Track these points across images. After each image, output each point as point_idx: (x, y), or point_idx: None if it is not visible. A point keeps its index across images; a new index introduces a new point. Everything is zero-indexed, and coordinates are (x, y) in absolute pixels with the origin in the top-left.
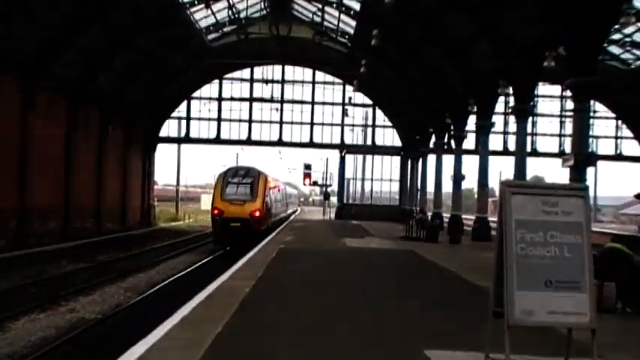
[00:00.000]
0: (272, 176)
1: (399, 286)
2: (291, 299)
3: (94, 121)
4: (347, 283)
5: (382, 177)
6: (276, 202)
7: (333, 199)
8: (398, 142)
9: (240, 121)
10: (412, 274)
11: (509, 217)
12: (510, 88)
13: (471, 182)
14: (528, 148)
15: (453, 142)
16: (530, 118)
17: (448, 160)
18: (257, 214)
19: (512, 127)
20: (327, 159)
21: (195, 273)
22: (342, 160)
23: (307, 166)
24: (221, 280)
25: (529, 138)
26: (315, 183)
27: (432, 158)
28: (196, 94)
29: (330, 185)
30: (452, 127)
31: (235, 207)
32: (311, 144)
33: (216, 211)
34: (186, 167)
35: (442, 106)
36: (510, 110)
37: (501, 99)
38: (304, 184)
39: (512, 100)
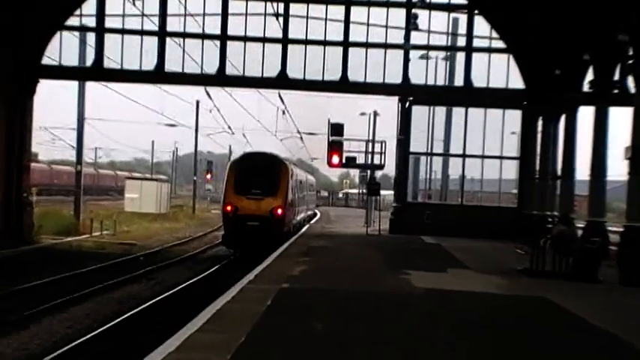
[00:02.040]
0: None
1: None
2: None
3: None
4: None
5: (484, 151)
6: (300, 198)
7: (385, 195)
8: (515, 83)
9: (204, 37)
10: None
11: None
12: None
13: None
14: None
15: (631, 82)
16: None
17: (618, 115)
18: (280, 211)
19: None
20: (374, 115)
21: None
22: (406, 116)
23: (336, 129)
24: None
25: None
26: (348, 163)
27: (585, 114)
28: None
29: (381, 167)
30: (632, 52)
31: (253, 202)
32: (343, 85)
33: (228, 207)
34: (97, 131)
35: (611, 12)
36: None
37: None
38: (331, 164)
39: None
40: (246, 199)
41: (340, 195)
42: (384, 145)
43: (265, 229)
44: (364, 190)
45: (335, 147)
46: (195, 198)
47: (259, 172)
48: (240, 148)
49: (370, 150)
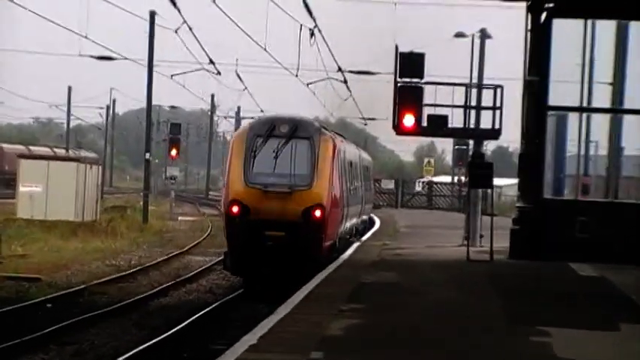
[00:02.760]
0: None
1: None
2: None
3: None
4: None
5: None
6: (352, 192)
7: (503, 186)
8: None
9: None
10: None
11: None
12: None
13: None
14: None
15: None
16: None
17: None
18: (319, 213)
19: None
20: (481, 37)
21: None
22: (542, 40)
23: (411, 64)
24: None
25: None
26: (433, 126)
27: None
28: None
29: (494, 135)
30: None
31: (276, 199)
32: None
33: (234, 208)
34: None
35: None
36: None
37: None
38: (401, 129)
39: None
40: (263, 193)
41: (419, 186)
42: (499, 93)
43: (295, 244)
44: (463, 178)
45: (408, 97)
46: (150, 193)
47: (285, 150)
48: (232, 100)
49: (474, 104)
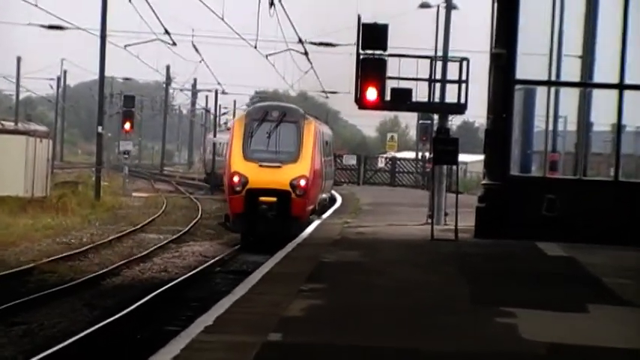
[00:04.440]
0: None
1: None
2: None
3: None
4: None
5: None
6: (328, 167)
7: (469, 163)
8: None
9: None
10: None
11: None
12: None
13: None
14: None
15: None
16: None
17: None
18: (303, 182)
19: None
20: (447, 8)
21: None
22: (509, 9)
23: (373, 35)
24: None
25: None
26: (397, 100)
27: None
28: None
29: (459, 109)
30: None
31: (268, 172)
32: None
33: (235, 179)
34: None
35: None
36: None
37: None
38: (364, 103)
39: None
40: (259, 167)
41: (381, 162)
42: (465, 66)
43: (284, 207)
44: (427, 154)
45: (371, 70)
46: (102, 169)
47: (276, 131)
48: (188, 73)
49: (439, 77)
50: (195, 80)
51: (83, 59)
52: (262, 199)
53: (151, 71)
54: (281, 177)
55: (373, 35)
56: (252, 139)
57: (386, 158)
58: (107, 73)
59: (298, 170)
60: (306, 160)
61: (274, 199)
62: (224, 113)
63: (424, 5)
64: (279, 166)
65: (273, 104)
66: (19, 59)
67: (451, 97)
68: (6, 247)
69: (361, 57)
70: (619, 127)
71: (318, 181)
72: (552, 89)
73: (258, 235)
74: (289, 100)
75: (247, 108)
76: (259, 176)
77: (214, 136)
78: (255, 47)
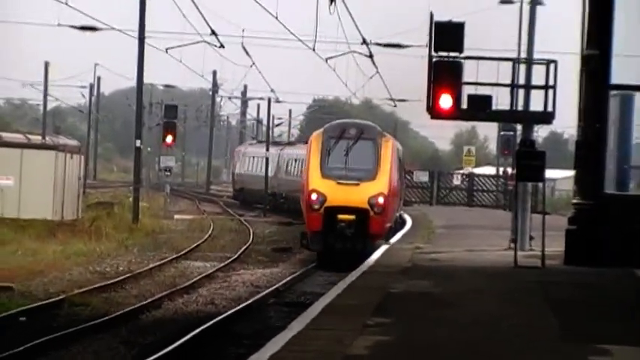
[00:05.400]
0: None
1: None
2: None
3: None
4: None
5: None
6: (402, 185)
7: (557, 180)
8: None
9: None
10: None
11: None
12: None
13: None
14: None
15: None
16: None
17: None
18: (381, 201)
19: None
20: (531, 3)
21: None
22: (605, 3)
23: (447, 35)
24: None
25: None
26: (474, 109)
27: None
28: None
29: (547, 119)
30: None
31: (346, 189)
32: None
33: (313, 196)
34: None
35: None
36: None
37: None
38: (437, 112)
39: None
40: (336, 184)
41: (457, 179)
42: (552, 69)
43: (362, 225)
44: (509, 170)
45: (445, 75)
46: (141, 187)
47: (353, 149)
48: (236, 77)
49: (522, 82)
50: (245, 87)
51: (119, 64)
52: (340, 216)
53: (196, 77)
54: (359, 195)
55: (447, 35)
56: (329, 157)
57: (462, 174)
58: (146, 80)
59: (376, 188)
60: (384, 177)
61: (352, 216)
62: (278, 124)
63: (505, 1)
64: (357, 184)
65: (350, 121)
66: (46, 64)
67: (536, 104)
68: (33, 277)
69: (434, 60)
70: None
71: (395, 199)
72: None
73: (336, 253)
74: (352, 108)
75: (325, 125)
76: (337, 194)
77: (244, 148)
78: (314, 49)
